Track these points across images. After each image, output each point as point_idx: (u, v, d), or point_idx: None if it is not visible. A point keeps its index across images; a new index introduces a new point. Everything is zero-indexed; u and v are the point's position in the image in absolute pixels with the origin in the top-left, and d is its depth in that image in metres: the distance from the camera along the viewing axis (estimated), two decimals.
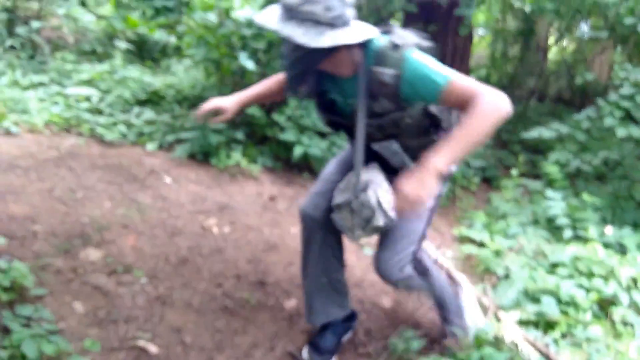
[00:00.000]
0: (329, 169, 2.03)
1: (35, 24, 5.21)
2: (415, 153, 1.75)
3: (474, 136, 1.43)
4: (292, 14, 1.44)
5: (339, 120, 1.77)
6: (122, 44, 5.45)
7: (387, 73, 1.52)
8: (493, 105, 1.44)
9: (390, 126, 1.65)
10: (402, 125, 1.65)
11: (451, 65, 1.85)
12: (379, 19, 4.33)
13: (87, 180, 2.98)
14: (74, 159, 3.23)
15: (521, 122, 5.73)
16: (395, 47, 1.53)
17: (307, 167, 3.85)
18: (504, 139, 5.47)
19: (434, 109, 1.67)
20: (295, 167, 3.88)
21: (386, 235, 1.84)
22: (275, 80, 2.00)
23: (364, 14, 4.33)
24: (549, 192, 3.57)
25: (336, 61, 1.58)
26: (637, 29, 3.92)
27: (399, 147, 1.74)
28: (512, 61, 7.38)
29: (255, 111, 3.77)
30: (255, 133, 3.96)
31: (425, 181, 1.41)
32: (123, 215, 2.69)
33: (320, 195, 1.94)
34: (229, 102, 1.98)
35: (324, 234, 1.95)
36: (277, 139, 3.81)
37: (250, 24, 3.72)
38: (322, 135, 3.84)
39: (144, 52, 5.84)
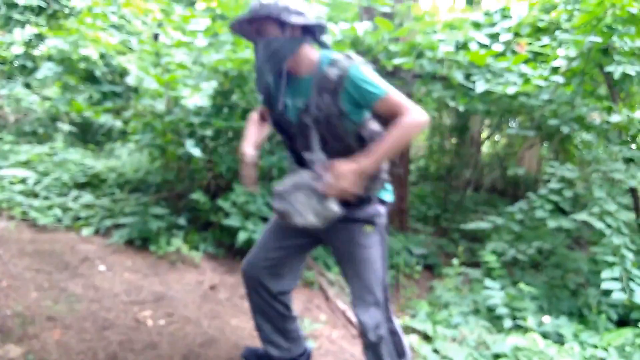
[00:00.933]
0: (267, 227, 2.23)
1: None
2: None
3: (396, 145, 1.76)
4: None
5: (283, 119, 1.95)
6: (65, 126, 5.37)
7: (334, 72, 1.80)
8: (415, 120, 1.77)
9: (324, 122, 1.83)
10: (332, 127, 1.83)
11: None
12: None
13: (14, 268, 2.79)
14: (1, 244, 3.04)
15: (459, 210, 5.97)
16: (348, 57, 1.84)
17: None
18: (444, 226, 5.64)
19: (367, 134, 1.86)
20: (238, 254, 3.80)
21: (354, 282, 2.00)
22: (257, 118, 2.19)
23: None
24: (488, 282, 3.65)
25: (299, 58, 1.86)
26: (561, 129, 4.25)
27: (328, 162, 1.87)
28: (448, 153, 7.78)
29: (199, 196, 3.73)
30: (199, 218, 3.89)
31: (355, 169, 1.73)
32: (49, 307, 2.51)
33: (258, 251, 2.18)
34: (251, 151, 2.09)
35: (254, 287, 2.17)
36: (221, 225, 3.75)
37: (198, 112, 3.77)
38: (267, 221, 3.81)
39: (87, 135, 5.76)
